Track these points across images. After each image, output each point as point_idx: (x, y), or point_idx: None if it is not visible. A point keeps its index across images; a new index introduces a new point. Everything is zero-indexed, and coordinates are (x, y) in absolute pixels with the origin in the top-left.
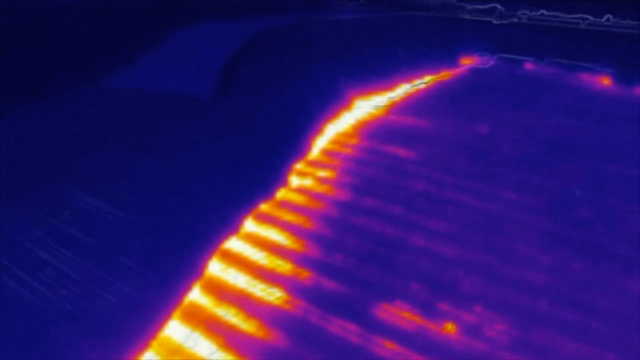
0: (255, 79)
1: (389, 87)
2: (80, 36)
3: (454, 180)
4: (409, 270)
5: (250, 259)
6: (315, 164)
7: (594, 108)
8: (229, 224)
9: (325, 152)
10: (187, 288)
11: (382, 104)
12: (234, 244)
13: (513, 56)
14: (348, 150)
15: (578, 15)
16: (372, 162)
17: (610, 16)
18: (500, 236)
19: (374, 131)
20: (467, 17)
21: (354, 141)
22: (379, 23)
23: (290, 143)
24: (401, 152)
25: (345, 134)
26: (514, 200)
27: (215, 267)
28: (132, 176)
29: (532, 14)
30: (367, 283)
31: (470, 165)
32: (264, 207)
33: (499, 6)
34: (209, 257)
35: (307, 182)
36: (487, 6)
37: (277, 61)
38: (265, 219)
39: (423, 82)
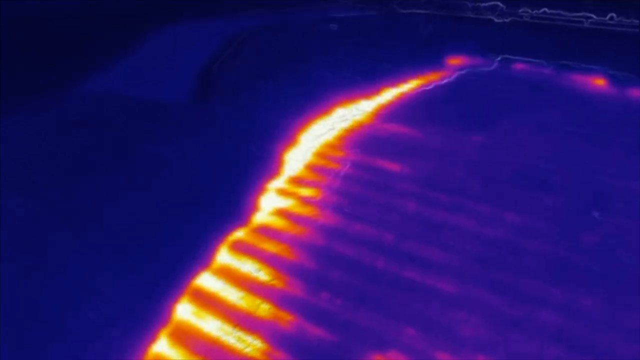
0: (236, 83)
1: (377, 91)
2: (51, 40)
3: (449, 199)
4: (403, 313)
5: (225, 300)
6: (297, 181)
7: (599, 114)
8: (200, 256)
9: (309, 167)
10: (153, 338)
11: (369, 111)
12: (206, 280)
13: (514, 57)
14: (333, 165)
15: (581, 14)
16: (360, 178)
17: (614, 15)
18: (502, 267)
19: (361, 143)
20: (467, 15)
21: (339, 154)
22: (372, 22)
23: (270, 157)
24: (390, 166)
25: (330, 146)
26: (516, 224)
27: (185, 311)
28: (98, 206)
29: (534, 12)
30: (356, 328)
31: (466, 182)
32: (239, 233)
33: (500, 4)
34: (178, 298)
35: (289, 203)
36: (488, 4)
37: (259, 64)
38: (241, 248)
39: (415, 85)
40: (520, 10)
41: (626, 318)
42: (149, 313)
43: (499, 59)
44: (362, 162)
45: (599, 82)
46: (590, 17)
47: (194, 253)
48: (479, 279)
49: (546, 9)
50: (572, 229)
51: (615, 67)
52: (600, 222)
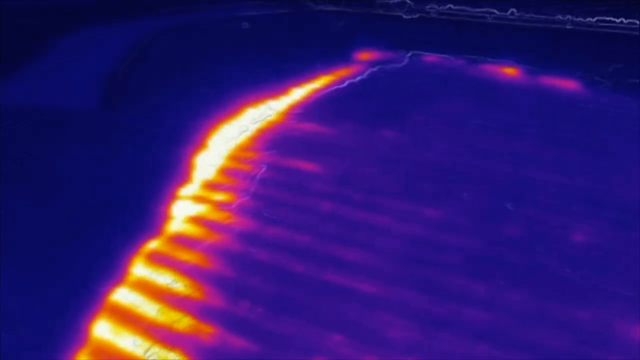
0: (144, 87)
1: (289, 90)
2: None
3: (365, 197)
4: (326, 317)
5: (143, 315)
6: (211, 185)
7: (510, 105)
8: (114, 269)
9: (221, 171)
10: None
11: (282, 110)
12: (123, 294)
13: (424, 52)
14: (246, 167)
15: (484, 9)
16: (274, 180)
17: (515, 10)
18: (424, 265)
19: (274, 143)
20: (377, 11)
21: (251, 156)
22: (285, 20)
23: (181, 162)
24: (304, 166)
25: (243, 148)
26: (434, 219)
27: (102, 328)
28: (2, 224)
29: (440, 8)
30: (279, 337)
31: (381, 179)
32: (154, 244)
33: (408, 0)
34: (95, 315)
35: (203, 210)
36: (396, 0)
37: (167, 65)
38: (156, 259)
39: (327, 83)
40: (427, 7)
41: (550, 310)
42: (65, 333)
43: (409, 54)
44: (276, 163)
45: (508, 74)
46: (493, 13)
47: (108, 267)
48: (402, 278)
49: (451, 5)
50: (490, 222)
51: (520, 59)
52: (517, 214)
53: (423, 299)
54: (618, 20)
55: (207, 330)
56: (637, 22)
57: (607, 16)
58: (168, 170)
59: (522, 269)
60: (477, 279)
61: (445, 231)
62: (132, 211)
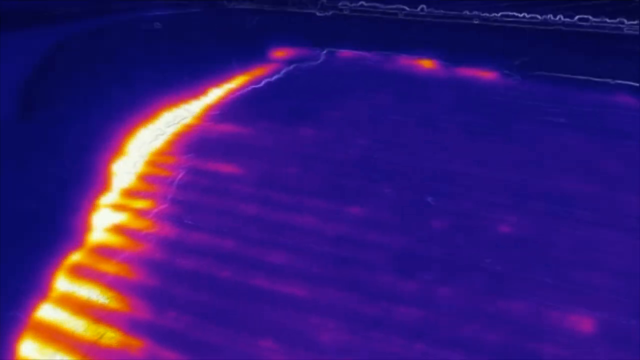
0: (53, 96)
1: (205, 91)
2: None
3: (288, 198)
4: (255, 324)
5: (70, 332)
6: (130, 193)
7: (430, 99)
8: (36, 285)
9: (141, 178)
10: None
11: (198, 112)
12: (47, 311)
13: (339, 49)
14: (165, 173)
15: (395, 6)
16: (194, 184)
17: (424, 6)
18: (352, 264)
19: (192, 146)
20: (291, 9)
21: (170, 160)
22: (197, 19)
23: (98, 169)
24: (223, 168)
25: (161, 153)
26: (359, 217)
27: (28, 349)
28: None
29: (353, 5)
30: (208, 347)
31: (302, 178)
32: (76, 257)
33: None
34: (20, 335)
35: (124, 218)
36: None
37: (80, 71)
38: (80, 272)
39: (242, 82)
40: (340, 4)
41: (482, 303)
42: None
43: (325, 52)
44: (194, 166)
45: (424, 69)
46: (404, 9)
47: (29, 283)
48: (330, 279)
49: (363, 2)
50: (415, 218)
51: (434, 54)
52: (441, 208)
53: (353, 299)
54: (521, 15)
55: (136, 344)
56: (539, 16)
57: (511, 11)
58: (86, 178)
59: (449, 263)
60: (405, 276)
61: (370, 229)
62: (50, 223)
